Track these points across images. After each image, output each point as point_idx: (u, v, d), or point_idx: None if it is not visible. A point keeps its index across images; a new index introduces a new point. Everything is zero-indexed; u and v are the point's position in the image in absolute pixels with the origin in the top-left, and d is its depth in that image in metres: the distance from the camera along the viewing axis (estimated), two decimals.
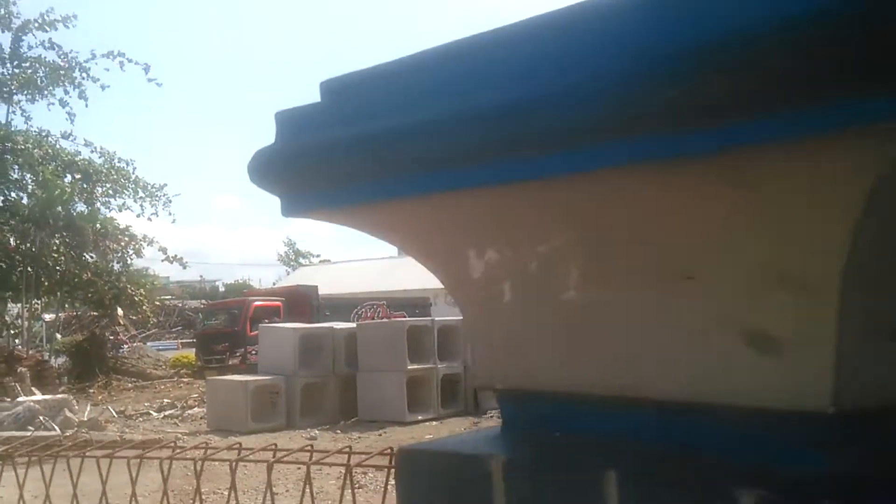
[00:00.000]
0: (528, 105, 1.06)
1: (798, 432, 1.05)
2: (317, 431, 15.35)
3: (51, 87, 27.31)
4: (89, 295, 28.47)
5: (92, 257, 27.96)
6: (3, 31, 26.41)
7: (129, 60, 27.39)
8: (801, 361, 1.04)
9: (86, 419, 16.52)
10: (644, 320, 1.16)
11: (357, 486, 10.81)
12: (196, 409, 19.76)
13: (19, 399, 17.27)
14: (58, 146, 27.94)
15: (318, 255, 71.72)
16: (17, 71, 26.90)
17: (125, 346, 32.63)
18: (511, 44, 1.13)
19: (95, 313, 32.19)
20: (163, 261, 29.67)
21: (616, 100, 1.00)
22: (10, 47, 26.57)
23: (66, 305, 32.64)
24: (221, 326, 28.69)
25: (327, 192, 1.36)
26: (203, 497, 8.99)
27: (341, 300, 31.63)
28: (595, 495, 1.11)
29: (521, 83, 1.06)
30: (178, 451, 5.40)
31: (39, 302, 29.09)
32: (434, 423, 16.59)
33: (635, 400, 1.17)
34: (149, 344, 37.71)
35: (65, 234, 26.65)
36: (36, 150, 26.67)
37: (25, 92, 27.17)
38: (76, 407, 17.22)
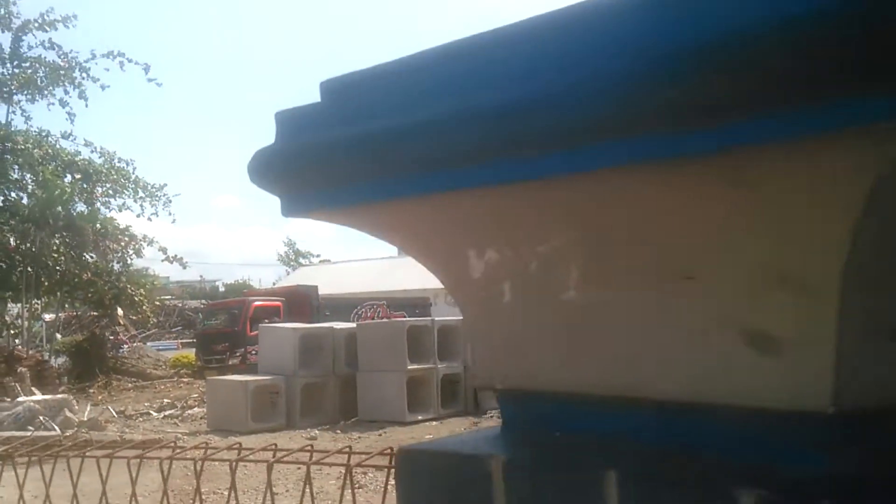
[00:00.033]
0: (528, 105, 1.06)
1: (798, 432, 1.05)
2: (317, 431, 15.35)
3: (51, 87, 27.30)
4: (89, 295, 28.47)
5: (92, 257, 27.95)
6: (3, 31, 26.41)
7: (129, 60, 27.38)
8: (801, 361, 1.04)
9: (86, 419, 16.51)
10: (644, 320, 1.16)
11: (357, 486, 10.82)
12: (196, 409, 19.75)
13: (19, 399, 17.26)
14: (58, 146, 27.94)
15: (317, 255, 71.72)
16: (17, 71, 26.88)
17: (125, 346, 32.62)
18: (511, 44, 1.13)
19: (95, 313, 32.18)
20: (163, 261, 29.67)
21: (616, 100, 1.00)
22: (10, 47, 26.56)
23: (66, 305, 32.63)
24: (221, 326, 28.67)
25: (327, 192, 1.36)
26: (203, 497, 8.98)
27: (341, 300, 31.62)
28: (595, 495, 1.11)
29: (521, 83, 1.06)
30: (178, 451, 5.39)
31: (39, 302, 29.09)
32: (434, 423, 16.59)
33: (635, 400, 1.17)
34: (149, 344, 37.70)
35: (65, 234, 26.64)
36: (36, 150, 26.67)
37: (25, 92, 27.16)
38: (76, 407, 17.21)
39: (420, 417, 16.65)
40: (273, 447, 5.14)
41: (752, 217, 1.03)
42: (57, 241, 26.42)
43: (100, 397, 23.15)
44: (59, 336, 31.40)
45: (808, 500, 0.99)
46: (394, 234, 1.50)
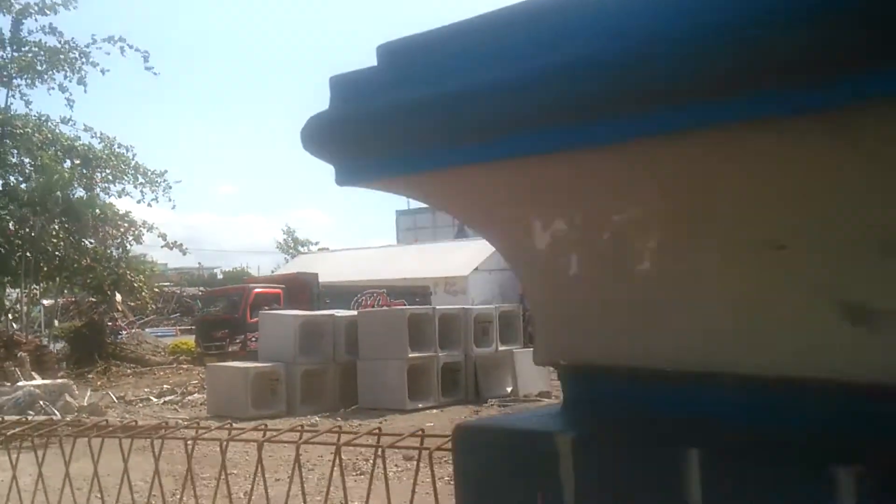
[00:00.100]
0: (622, 62, 1.01)
1: None
2: (317, 419, 15.34)
3: (51, 72, 27.24)
4: (88, 281, 28.46)
5: (91, 243, 27.94)
6: (3, 15, 26.32)
7: (130, 46, 27.34)
8: None
9: (86, 404, 16.51)
10: (729, 293, 1.11)
11: (359, 472, 10.81)
12: (196, 396, 19.77)
13: (19, 384, 17.25)
14: (57, 131, 27.89)
15: (316, 243, 71.75)
16: (16, 55, 26.81)
17: (124, 332, 32.62)
18: None
19: (94, 299, 32.18)
20: (162, 247, 29.70)
21: (722, 52, 0.95)
22: (10, 31, 26.48)
23: (66, 291, 32.60)
24: (221, 313, 28.67)
25: (384, 160, 1.30)
26: (205, 482, 8.97)
27: (341, 288, 31.60)
28: (675, 475, 1.06)
29: (615, 37, 1.01)
30: (170, 430, 5.36)
31: (38, 287, 29.05)
32: (434, 411, 16.60)
33: (716, 375, 1.12)
34: (147, 330, 37.70)
35: (64, 219, 26.61)
36: (35, 135, 26.62)
37: (25, 76, 27.10)
38: (76, 392, 17.20)
39: (420, 405, 16.67)
40: (263, 427, 5.10)
41: (855, 180, 0.98)
42: (56, 227, 26.38)
43: (99, 383, 23.15)
44: (56, 322, 31.37)
45: None
46: (452, 203, 1.44)
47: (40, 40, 26.85)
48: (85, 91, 28.72)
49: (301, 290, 28.31)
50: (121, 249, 29.00)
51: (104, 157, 28.35)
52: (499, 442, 1.28)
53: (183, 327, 42.95)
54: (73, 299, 35.64)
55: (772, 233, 1.05)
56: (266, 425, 4.79)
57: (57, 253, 26.33)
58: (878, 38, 0.85)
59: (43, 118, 27.95)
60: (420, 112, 1.23)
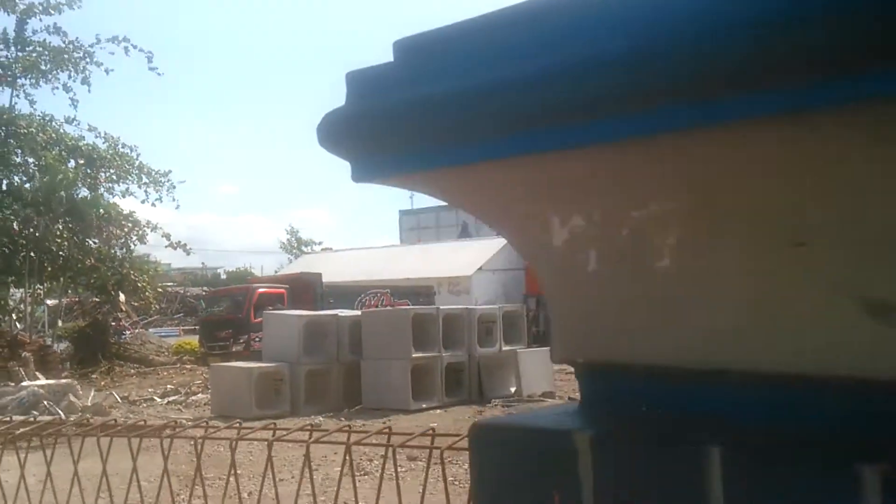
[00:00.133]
0: (638, 57, 1.00)
1: None
2: (321, 419, 15.32)
3: (55, 72, 27.26)
4: (92, 281, 28.45)
5: (95, 243, 27.94)
6: (7, 14, 26.33)
7: (134, 46, 27.34)
8: None
9: (90, 404, 16.51)
10: (750, 290, 1.10)
11: (363, 472, 10.80)
12: (200, 396, 19.76)
13: (23, 384, 17.25)
14: (61, 131, 27.87)
15: (319, 243, 71.74)
16: (21, 54, 26.82)
17: (127, 333, 32.64)
18: None
19: (97, 299, 32.18)
20: (166, 247, 29.68)
21: (736, 49, 0.94)
22: (15, 30, 26.49)
23: (69, 291, 32.60)
24: (225, 313, 28.68)
25: (401, 157, 1.29)
26: (209, 483, 8.96)
27: (345, 288, 31.61)
28: (697, 473, 1.05)
29: (635, 32, 1.00)
30: (178, 429, 5.35)
31: (42, 287, 29.06)
32: (438, 411, 16.58)
33: (737, 373, 1.11)
34: (150, 330, 37.73)
35: (68, 219, 26.61)
36: (40, 135, 26.61)
37: (29, 76, 27.11)
38: (80, 392, 17.20)
39: (424, 405, 16.63)
40: (273, 426, 5.10)
41: (876, 176, 0.97)
42: (60, 227, 26.39)
43: (103, 383, 23.16)
44: (60, 322, 31.38)
45: None
46: (469, 200, 1.44)
47: (45, 40, 26.89)
48: (89, 91, 28.69)
49: (305, 290, 28.32)
50: (125, 249, 29.00)
51: (108, 156, 28.34)
52: (516, 440, 1.27)
53: (186, 327, 42.98)
54: (77, 299, 35.64)
55: (792, 229, 1.05)
56: (275, 424, 4.79)
57: (61, 253, 26.34)
58: None
59: (47, 118, 27.97)
60: (437, 108, 1.23)
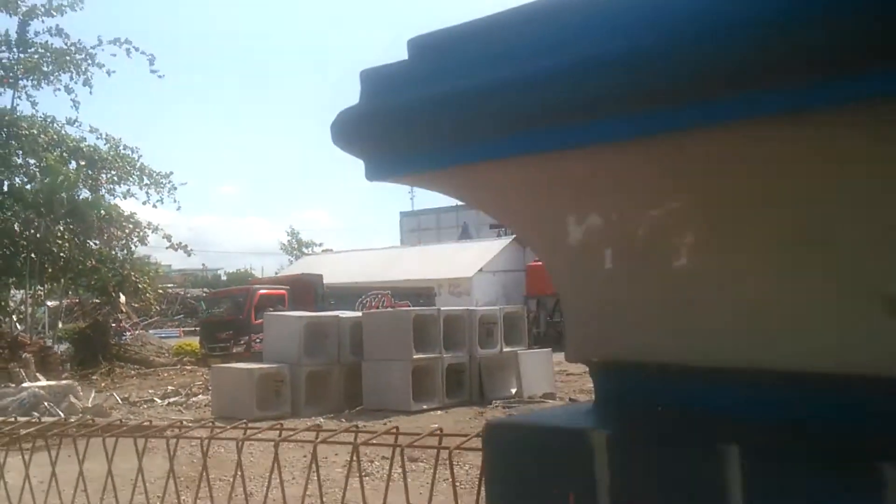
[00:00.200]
0: (654, 53, 0.99)
1: None
2: (322, 420, 15.29)
3: (57, 73, 27.27)
4: (93, 282, 28.44)
5: (96, 244, 27.93)
6: (9, 16, 26.34)
7: (136, 49, 27.36)
8: None
9: (90, 406, 16.48)
10: (768, 288, 1.09)
11: (364, 473, 10.78)
12: (201, 397, 19.74)
13: (24, 385, 17.23)
14: (63, 132, 27.87)
15: (320, 244, 71.77)
16: (23, 56, 26.83)
17: (128, 334, 32.63)
18: None
19: (98, 300, 32.17)
20: (167, 248, 29.67)
21: (748, 48, 0.94)
22: (17, 32, 26.50)
23: (70, 292, 32.59)
24: (226, 314, 28.67)
25: (415, 155, 1.29)
26: (210, 484, 8.94)
27: (345, 289, 31.61)
28: (715, 472, 1.05)
29: (647, 31, 1.00)
30: (184, 430, 5.34)
31: (43, 288, 29.03)
32: (439, 412, 16.56)
33: (754, 372, 1.11)
34: (151, 332, 37.72)
35: (69, 220, 26.60)
36: (41, 136, 26.61)
37: (31, 78, 27.12)
38: (81, 393, 17.18)
39: (425, 407, 16.62)
40: (279, 426, 5.09)
41: (894, 173, 0.97)
42: (61, 228, 26.37)
43: (103, 384, 23.14)
44: (60, 324, 31.36)
45: None
46: (484, 199, 1.43)
47: (47, 42, 26.91)
48: (90, 93, 28.68)
49: (306, 291, 28.30)
50: (125, 251, 28.98)
51: (110, 158, 28.33)
52: (530, 439, 1.27)
53: (187, 329, 42.99)
54: (78, 301, 35.63)
55: (809, 227, 1.04)
56: (282, 425, 4.78)
57: (62, 254, 26.32)
58: None
59: (49, 119, 27.96)
60: (452, 106, 1.22)
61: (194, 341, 31.19)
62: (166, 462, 10.57)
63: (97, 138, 28.56)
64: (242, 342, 26.80)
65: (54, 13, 26.36)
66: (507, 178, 1.28)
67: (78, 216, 26.73)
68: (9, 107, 27.00)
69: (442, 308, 19.32)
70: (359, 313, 20.05)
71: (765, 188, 1.09)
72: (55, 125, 27.85)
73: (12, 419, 6.30)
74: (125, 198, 29.68)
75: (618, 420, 1.26)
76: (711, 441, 1.08)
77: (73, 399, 16.04)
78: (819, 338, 1.06)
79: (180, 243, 29.65)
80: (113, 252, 28.27)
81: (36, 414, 13.55)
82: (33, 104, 27.84)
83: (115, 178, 28.76)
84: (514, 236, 39.59)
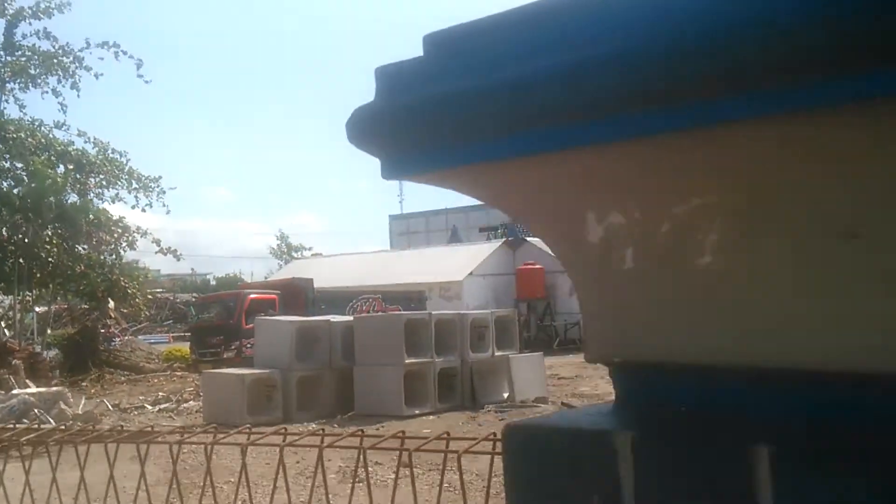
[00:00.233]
0: (682, 49, 0.97)
1: None
2: (314, 425, 15.24)
3: (44, 76, 27.19)
4: (82, 287, 28.31)
5: (84, 249, 27.80)
6: None
7: (124, 52, 27.31)
8: None
9: (81, 412, 16.38)
10: (798, 285, 1.07)
11: (358, 480, 10.73)
12: (191, 403, 19.67)
13: (14, 392, 17.12)
14: (51, 136, 27.76)
15: (309, 249, 71.65)
16: (10, 59, 26.74)
17: (117, 340, 32.48)
18: None
19: (87, 306, 32.02)
20: (156, 253, 29.57)
21: (781, 39, 0.92)
22: (4, 35, 26.41)
23: (59, 298, 32.43)
24: (216, 319, 28.55)
25: (432, 153, 1.26)
26: (205, 491, 8.88)
27: (336, 293, 31.52)
28: (744, 474, 1.02)
29: (677, 23, 0.98)
30: (187, 434, 5.31)
31: (31, 294, 28.89)
32: (431, 417, 16.53)
33: (781, 371, 1.09)
34: (140, 337, 37.57)
35: (57, 225, 26.48)
36: (29, 140, 26.49)
37: (18, 80, 27.03)
38: (71, 400, 17.07)
39: (417, 412, 16.59)
40: (283, 431, 5.05)
41: None
42: (49, 233, 26.26)
43: (93, 391, 23.01)
44: (49, 330, 31.20)
45: None
46: (503, 196, 1.41)
47: (34, 44, 26.84)
48: (78, 96, 28.61)
49: (296, 295, 28.21)
50: (114, 255, 28.86)
51: (98, 162, 28.24)
52: (552, 442, 1.24)
53: (176, 334, 42.85)
54: (66, 306, 35.47)
55: (843, 222, 1.02)
56: (286, 429, 4.75)
57: (50, 259, 26.21)
58: None
59: (37, 123, 27.87)
60: (471, 102, 1.20)
61: (184, 347, 31.06)
62: (158, 469, 10.45)
63: (85, 142, 28.50)
64: (233, 347, 26.69)
65: (42, 16, 26.30)
66: (527, 176, 1.25)
67: (66, 221, 26.61)
68: None
69: (433, 312, 19.31)
70: (350, 317, 20.00)
71: (790, 183, 1.07)
72: (43, 129, 27.76)
73: (10, 425, 6.23)
74: (114, 202, 29.54)
75: (641, 421, 1.23)
76: (741, 442, 1.06)
77: (63, 406, 15.92)
78: (853, 335, 1.05)
79: (169, 248, 29.56)
80: (102, 257, 28.16)
81: (26, 421, 13.46)
82: (21, 107, 27.76)
83: (104, 182, 28.66)
84: (503, 240, 39.63)
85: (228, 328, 27.19)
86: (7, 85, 26.98)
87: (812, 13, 0.91)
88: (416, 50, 1.30)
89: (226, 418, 15.22)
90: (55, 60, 27.01)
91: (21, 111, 27.80)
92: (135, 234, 28.61)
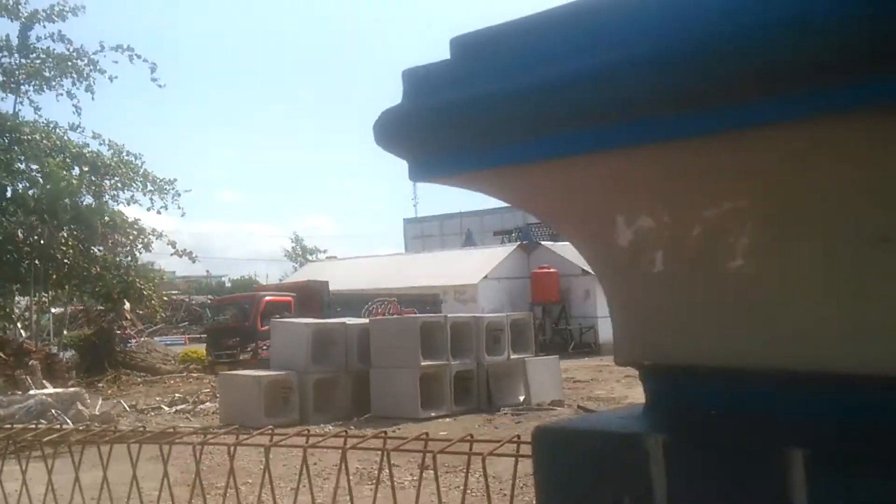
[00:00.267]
0: (713, 51, 0.97)
1: None
2: (330, 427, 15.26)
3: (59, 79, 27.32)
4: (97, 289, 28.41)
5: (100, 251, 27.91)
6: (11, 21, 26.39)
7: (138, 56, 27.42)
8: None
9: (98, 413, 16.46)
10: (829, 288, 1.07)
11: (371, 481, 10.73)
12: (208, 405, 19.73)
13: (31, 392, 17.20)
14: (66, 138, 27.87)
15: (324, 251, 71.85)
16: (24, 61, 26.88)
17: (133, 341, 32.61)
18: None
19: (102, 307, 32.16)
20: (172, 255, 29.61)
21: (812, 42, 0.92)
22: (19, 37, 26.56)
23: (74, 299, 32.58)
24: (232, 321, 28.61)
25: (460, 156, 1.27)
26: (219, 491, 8.91)
27: (351, 296, 31.56)
28: (778, 478, 1.02)
29: (706, 25, 0.98)
30: (209, 436, 5.33)
31: (47, 295, 29.04)
32: (447, 419, 16.53)
33: (813, 374, 1.09)
34: (156, 339, 37.71)
35: (73, 226, 26.59)
36: (44, 142, 26.60)
37: (33, 83, 27.17)
38: (88, 401, 17.15)
39: (433, 414, 16.59)
40: (306, 432, 5.07)
41: None
42: (65, 234, 26.37)
43: (109, 391, 23.14)
44: (65, 331, 31.35)
45: None
46: (531, 199, 1.41)
47: (49, 47, 26.96)
48: (93, 98, 28.73)
49: (311, 298, 28.25)
50: (130, 257, 28.92)
51: (113, 164, 28.30)
52: (583, 444, 1.24)
53: (192, 336, 43.00)
54: (82, 307, 35.64)
55: (875, 226, 1.02)
56: (308, 430, 4.76)
57: (66, 261, 26.30)
58: None
59: (51, 125, 27.98)
60: (500, 105, 1.20)
61: (200, 348, 31.15)
62: (175, 470, 10.48)
63: (100, 144, 28.56)
64: (249, 349, 26.73)
65: (56, 18, 26.43)
66: (554, 179, 1.25)
67: (82, 222, 26.71)
68: (11, 112, 27.04)
69: (449, 315, 19.29)
70: (365, 320, 20.02)
71: (821, 187, 1.07)
72: (58, 131, 27.86)
73: (32, 425, 6.27)
74: (129, 204, 29.59)
75: (672, 424, 1.23)
76: (774, 445, 1.06)
77: (80, 406, 16.00)
78: (886, 339, 1.04)
79: (185, 250, 29.59)
80: (117, 259, 28.24)
81: (44, 422, 13.52)
82: (36, 109, 27.90)
83: (119, 185, 28.70)
84: (517, 244, 39.59)
85: (244, 330, 27.24)
86: (22, 87, 27.11)
87: (847, 13, 0.90)
88: (445, 52, 1.31)
89: (243, 420, 15.25)
90: (69, 63, 27.11)
91: (36, 113, 27.93)
92: (150, 237, 28.68)
